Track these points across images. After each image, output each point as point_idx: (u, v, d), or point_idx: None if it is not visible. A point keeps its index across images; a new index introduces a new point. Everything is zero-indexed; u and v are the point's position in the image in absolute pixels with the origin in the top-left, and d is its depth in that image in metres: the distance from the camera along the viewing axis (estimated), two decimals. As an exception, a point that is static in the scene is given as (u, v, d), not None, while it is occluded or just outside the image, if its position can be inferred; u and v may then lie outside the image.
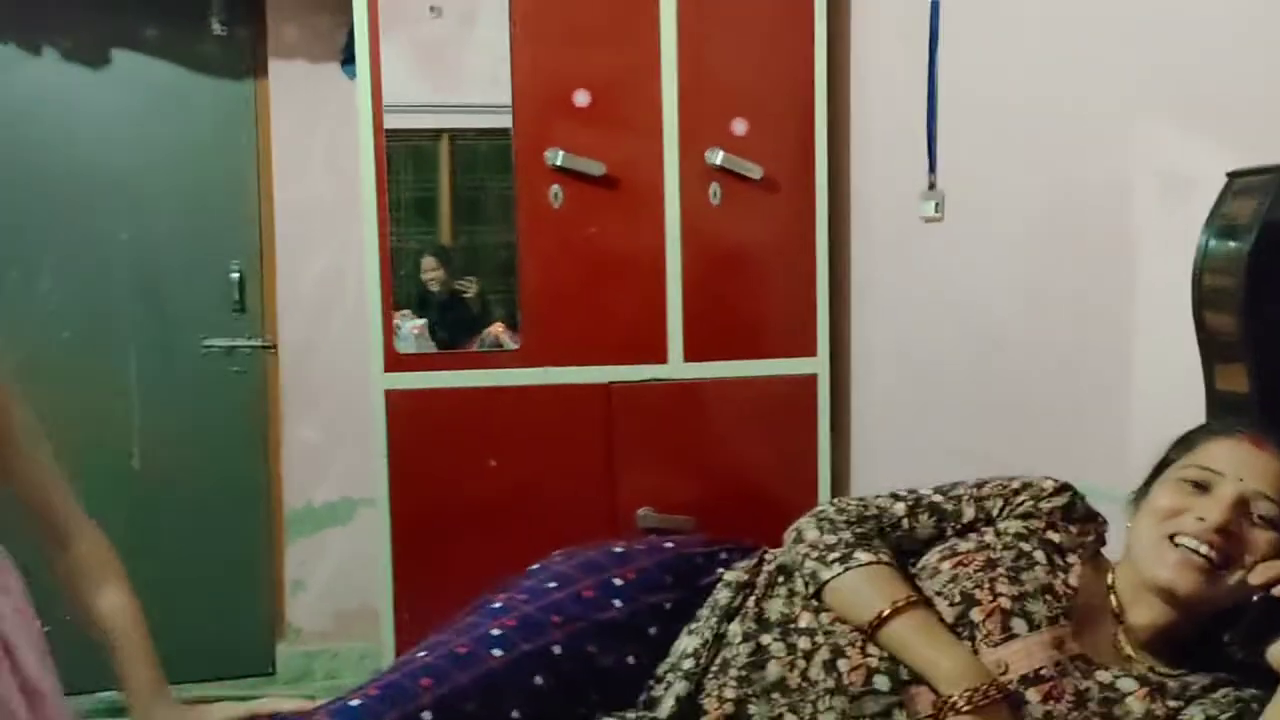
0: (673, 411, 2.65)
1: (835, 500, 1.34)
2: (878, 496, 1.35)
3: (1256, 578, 1.12)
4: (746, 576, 1.33)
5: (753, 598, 1.29)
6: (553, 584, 1.29)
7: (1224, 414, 1.36)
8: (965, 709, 1.08)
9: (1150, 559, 1.19)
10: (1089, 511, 1.32)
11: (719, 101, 2.63)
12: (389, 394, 2.53)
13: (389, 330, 2.53)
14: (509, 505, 2.58)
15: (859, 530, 1.27)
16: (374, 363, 2.52)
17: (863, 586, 1.20)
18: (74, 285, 2.99)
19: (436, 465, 2.56)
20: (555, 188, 2.56)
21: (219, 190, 3.03)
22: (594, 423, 2.61)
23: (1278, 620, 1.10)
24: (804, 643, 1.21)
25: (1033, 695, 1.13)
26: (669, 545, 1.40)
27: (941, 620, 1.18)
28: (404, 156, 2.71)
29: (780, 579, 1.31)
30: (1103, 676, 1.16)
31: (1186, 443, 1.27)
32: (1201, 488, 1.18)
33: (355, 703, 1.13)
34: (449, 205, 2.75)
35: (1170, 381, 1.65)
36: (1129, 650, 1.21)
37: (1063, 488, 1.32)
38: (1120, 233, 1.82)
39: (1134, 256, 1.79)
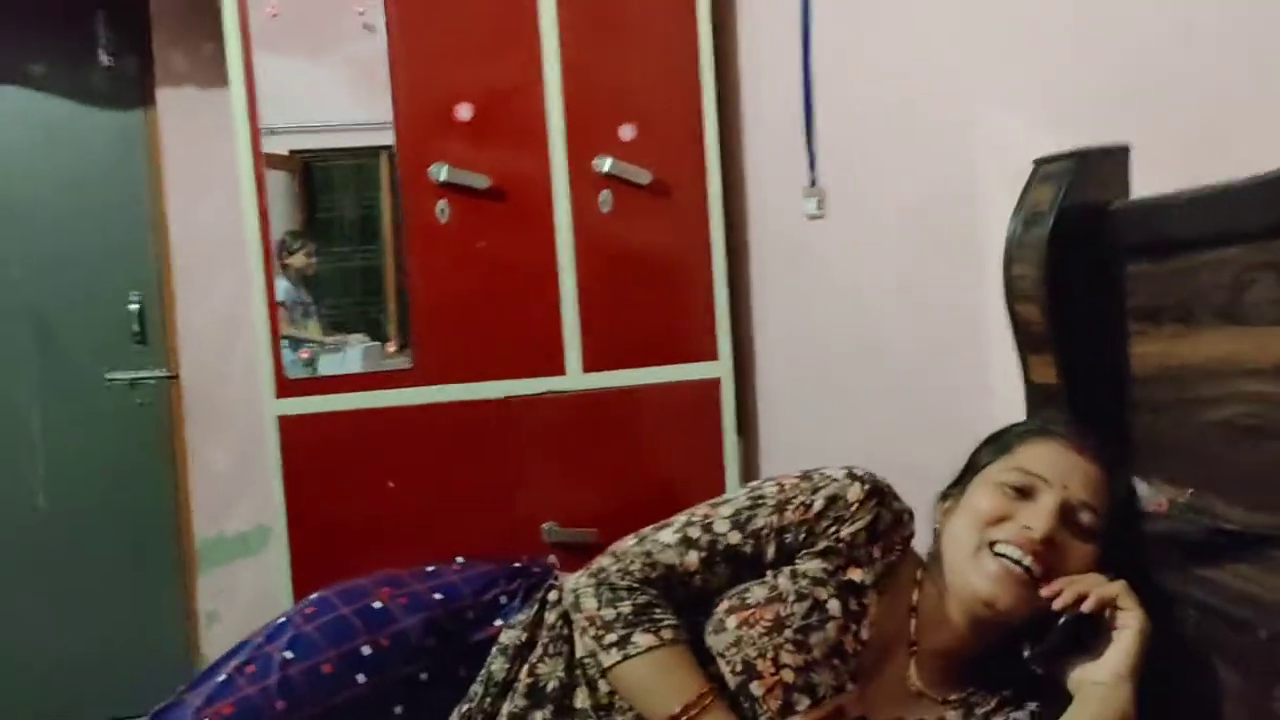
0: (574, 423, 2.63)
1: (619, 554, 1.20)
2: (667, 548, 1.21)
3: (1067, 596, 1.08)
4: (525, 636, 1.23)
5: (527, 665, 1.21)
6: (289, 654, 1.17)
7: (1040, 407, 1.34)
8: None
9: (967, 568, 1.13)
10: (896, 515, 1.24)
11: (605, 108, 2.60)
12: (282, 420, 2.50)
13: (278, 356, 2.49)
14: (410, 527, 2.54)
15: (640, 599, 1.14)
16: (265, 389, 2.48)
17: (647, 679, 1.11)
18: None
19: (334, 490, 2.53)
20: (441, 203, 2.53)
21: (114, 221, 2.99)
22: (493, 438, 2.58)
23: (1079, 639, 1.08)
24: None
25: None
26: (438, 598, 1.28)
27: (729, 711, 1.10)
28: (290, 178, 2.69)
29: (565, 633, 1.23)
30: None
31: (1001, 444, 1.23)
32: (1024, 493, 1.13)
33: None
34: (340, 225, 2.73)
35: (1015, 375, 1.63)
36: (918, 684, 1.17)
37: (869, 495, 1.22)
38: (972, 226, 1.80)
39: (985, 249, 1.77)
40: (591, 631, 1.14)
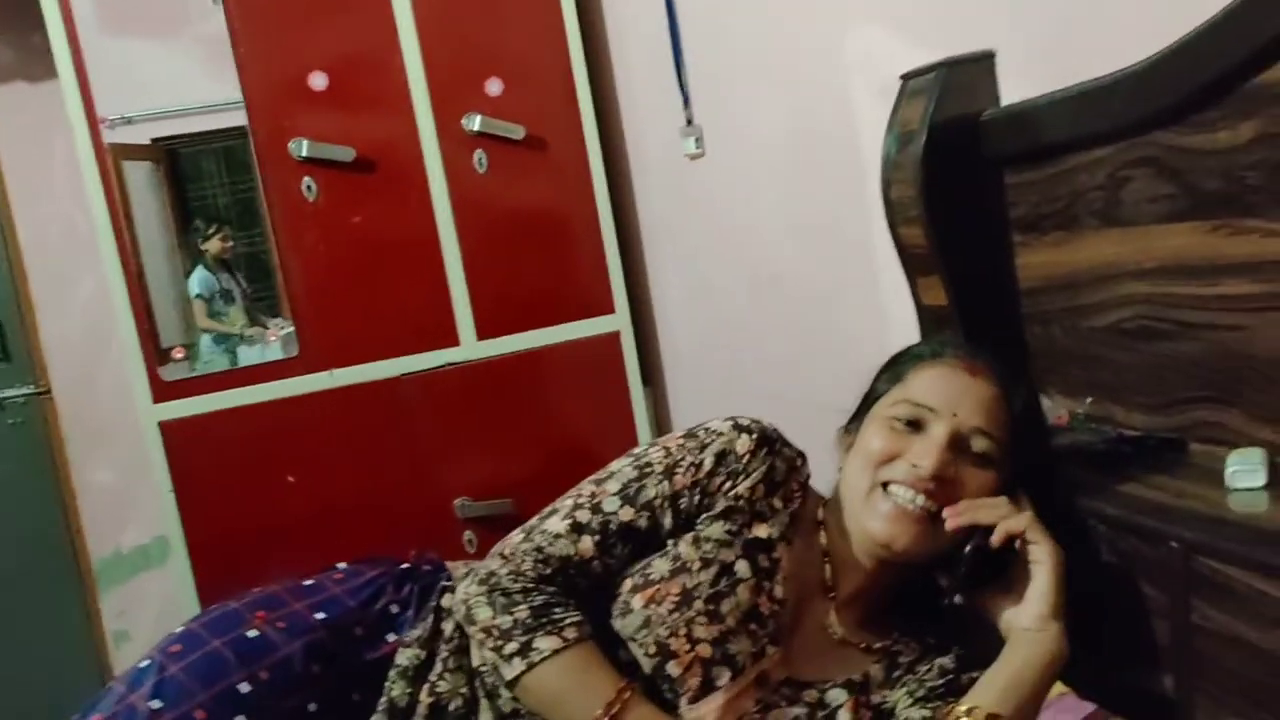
0: (475, 394, 2.54)
1: (508, 555, 1.10)
2: (558, 537, 1.11)
3: (962, 520, 1.03)
4: (423, 655, 1.14)
5: (427, 684, 1.13)
6: (155, 703, 1.05)
7: (933, 329, 1.30)
8: None
9: (862, 510, 1.09)
10: (789, 461, 1.17)
11: (468, 64, 2.49)
12: (164, 425, 2.36)
13: (151, 359, 2.35)
14: (316, 519, 2.44)
15: (537, 601, 1.06)
16: (140, 396, 2.34)
17: (558, 685, 1.03)
18: None
19: (231, 491, 2.41)
20: (307, 180, 2.39)
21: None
22: (392, 419, 2.48)
23: (989, 564, 1.03)
24: None
25: None
26: (320, 617, 1.17)
27: (650, 704, 1.03)
28: (155, 168, 2.54)
29: (463, 645, 1.15)
30: (810, 696, 1.08)
31: (894, 371, 1.16)
32: (914, 426, 1.08)
33: None
34: (216, 212, 2.60)
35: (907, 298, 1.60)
36: (840, 631, 1.12)
37: (759, 444, 1.15)
38: (853, 149, 1.75)
39: (865, 172, 1.72)
40: (490, 643, 1.05)
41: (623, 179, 2.69)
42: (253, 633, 1.13)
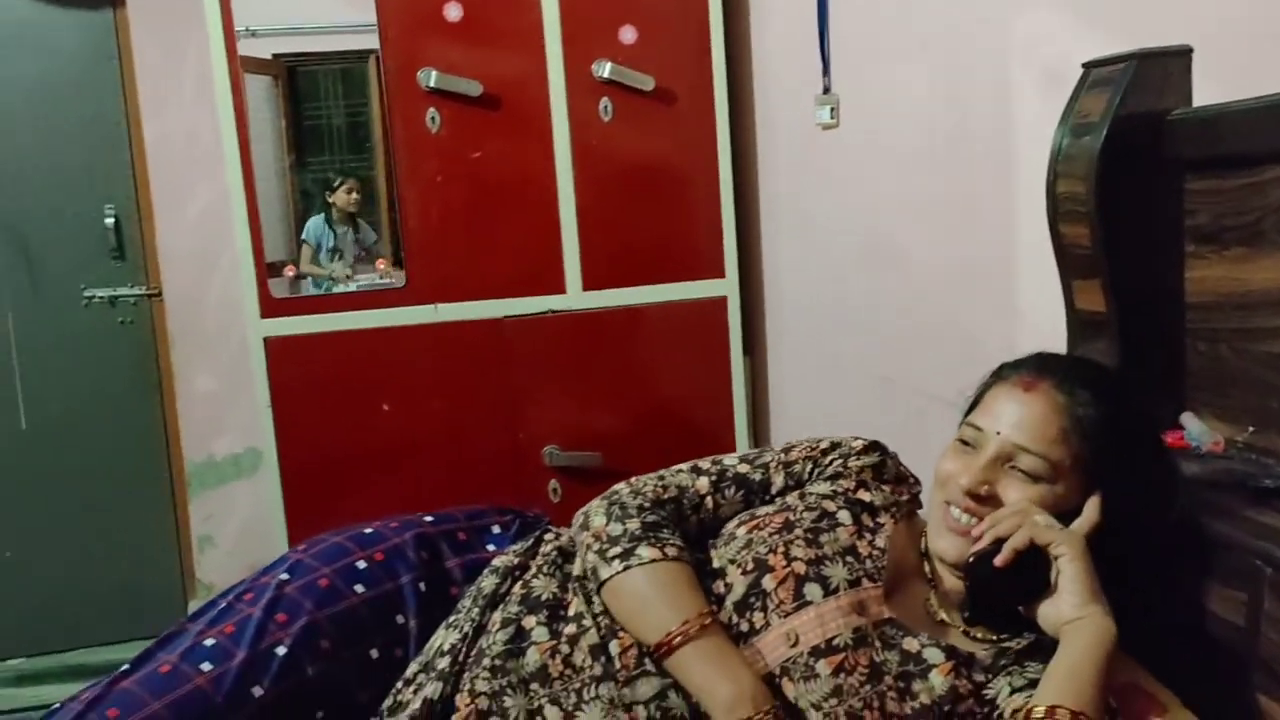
0: (574, 344, 2.52)
1: (632, 480, 1.19)
2: (680, 472, 1.22)
3: (983, 541, 1.04)
4: (517, 561, 1.19)
5: (520, 581, 1.17)
6: (285, 576, 1.15)
7: (1085, 337, 1.24)
8: None
9: (931, 527, 1.13)
10: (901, 473, 1.23)
11: (604, 8, 2.44)
12: (268, 340, 2.39)
13: (263, 273, 2.37)
14: (407, 450, 2.46)
15: (650, 519, 1.13)
16: (249, 308, 2.37)
17: (646, 592, 1.07)
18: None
19: (326, 413, 2.43)
20: (431, 111, 2.38)
21: (84, 130, 2.82)
22: (490, 360, 2.48)
23: (1030, 578, 1.02)
24: (569, 628, 1.09)
25: (823, 668, 1.02)
26: (429, 519, 1.26)
27: (727, 636, 1.05)
28: (273, 83, 2.54)
29: (559, 561, 1.19)
30: (910, 644, 1.05)
31: (978, 394, 1.17)
32: (972, 447, 1.11)
33: None
34: (328, 134, 2.60)
35: (1053, 295, 1.53)
36: (943, 615, 1.11)
37: (872, 446, 1.22)
38: (1002, 135, 1.67)
39: (1015, 160, 1.65)
40: (596, 546, 1.11)
41: (747, 142, 2.62)
42: (369, 529, 1.23)
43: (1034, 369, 1.11)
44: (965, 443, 1.11)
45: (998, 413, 1.09)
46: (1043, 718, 0.91)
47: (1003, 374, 1.14)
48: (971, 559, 1.04)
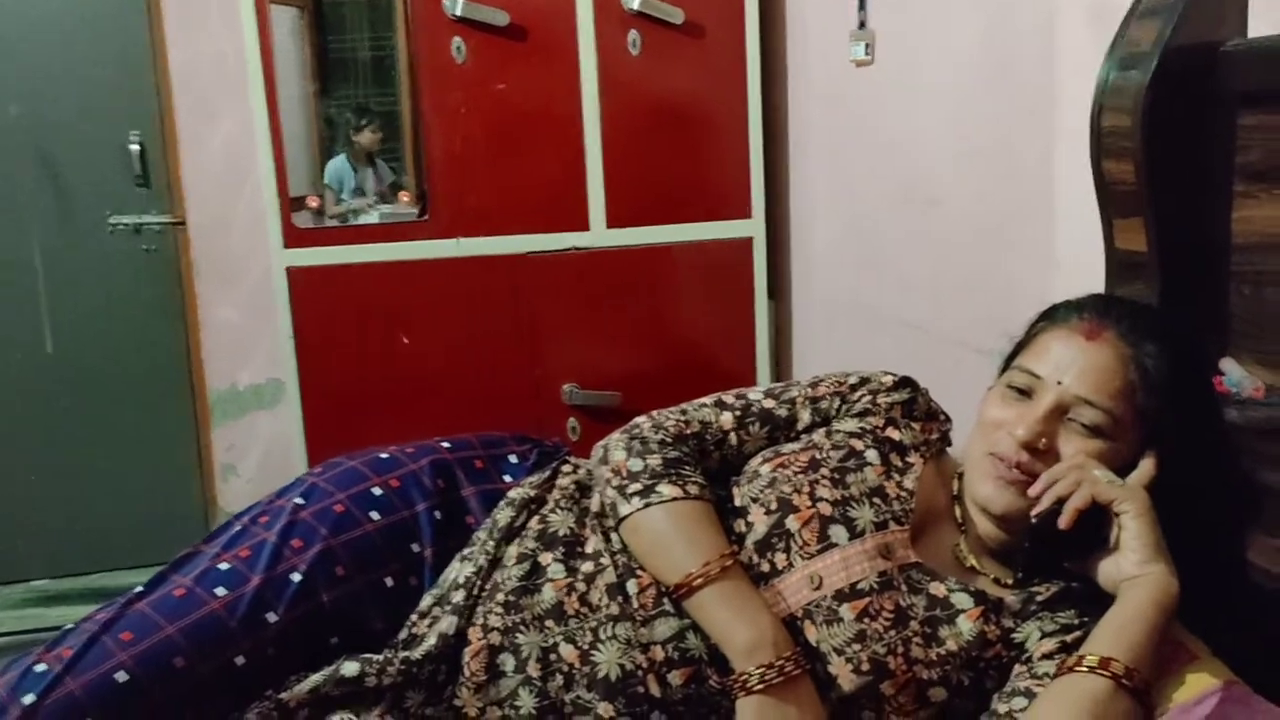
0: (597, 282, 2.50)
1: (654, 414, 1.16)
2: (703, 406, 1.18)
3: (1044, 501, 0.98)
4: (534, 493, 1.16)
5: (537, 515, 1.14)
6: (300, 501, 1.13)
7: (1123, 278, 1.19)
8: (757, 687, 0.94)
9: (973, 474, 1.08)
10: (932, 409, 1.19)
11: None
12: (291, 271, 2.38)
13: (286, 203, 2.35)
14: (426, 384, 2.46)
15: (671, 454, 1.09)
16: (273, 238, 2.35)
17: (666, 531, 1.03)
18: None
19: (348, 344, 2.43)
20: (457, 40, 2.33)
21: (111, 56, 2.79)
22: (511, 296, 2.46)
23: (1090, 535, 0.97)
24: (587, 566, 1.07)
25: (847, 612, 1.00)
26: (445, 445, 1.23)
27: (748, 578, 1.02)
28: (299, 14, 2.50)
29: (577, 495, 1.16)
30: (936, 589, 1.03)
31: (1028, 335, 1.12)
32: (1025, 394, 1.05)
33: (41, 668, 0.97)
34: (354, 66, 2.55)
35: (1090, 242, 1.48)
36: (972, 561, 1.08)
37: (903, 382, 1.18)
38: (1045, 71, 1.62)
39: (1058, 98, 1.59)
40: (615, 482, 1.08)
41: (778, 79, 2.57)
42: (385, 454, 1.21)
43: (1096, 314, 1.06)
44: (1018, 389, 1.06)
45: (1057, 360, 1.04)
46: (1095, 666, 0.87)
47: (1058, 316, 1.09)
48: (1034, 519, 0.99)
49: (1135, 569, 0.94)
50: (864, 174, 2.27)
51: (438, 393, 2.46)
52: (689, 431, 1.14)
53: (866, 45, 2.15)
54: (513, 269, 2.45)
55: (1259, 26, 1.15)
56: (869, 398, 1.16)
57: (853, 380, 1.19)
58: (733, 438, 1.16)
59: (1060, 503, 0.97)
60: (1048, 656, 0.97)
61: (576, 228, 2.46)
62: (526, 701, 1.01)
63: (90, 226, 2.86)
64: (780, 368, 2.70)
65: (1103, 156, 1.19)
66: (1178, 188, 1.16)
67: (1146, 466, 1.00)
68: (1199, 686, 0.94)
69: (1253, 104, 1.13)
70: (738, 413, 1.17)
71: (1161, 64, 1.12)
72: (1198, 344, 1.09)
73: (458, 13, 2.30)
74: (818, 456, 1.10)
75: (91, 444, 2.93)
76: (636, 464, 1.08)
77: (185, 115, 2.84)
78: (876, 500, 1.07)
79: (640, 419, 1.15)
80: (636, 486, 1.06)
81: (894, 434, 1.13)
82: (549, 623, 1.03)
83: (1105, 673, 0.87)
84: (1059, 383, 1.03)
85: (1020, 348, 1.11)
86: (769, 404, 1.18)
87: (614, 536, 1.08)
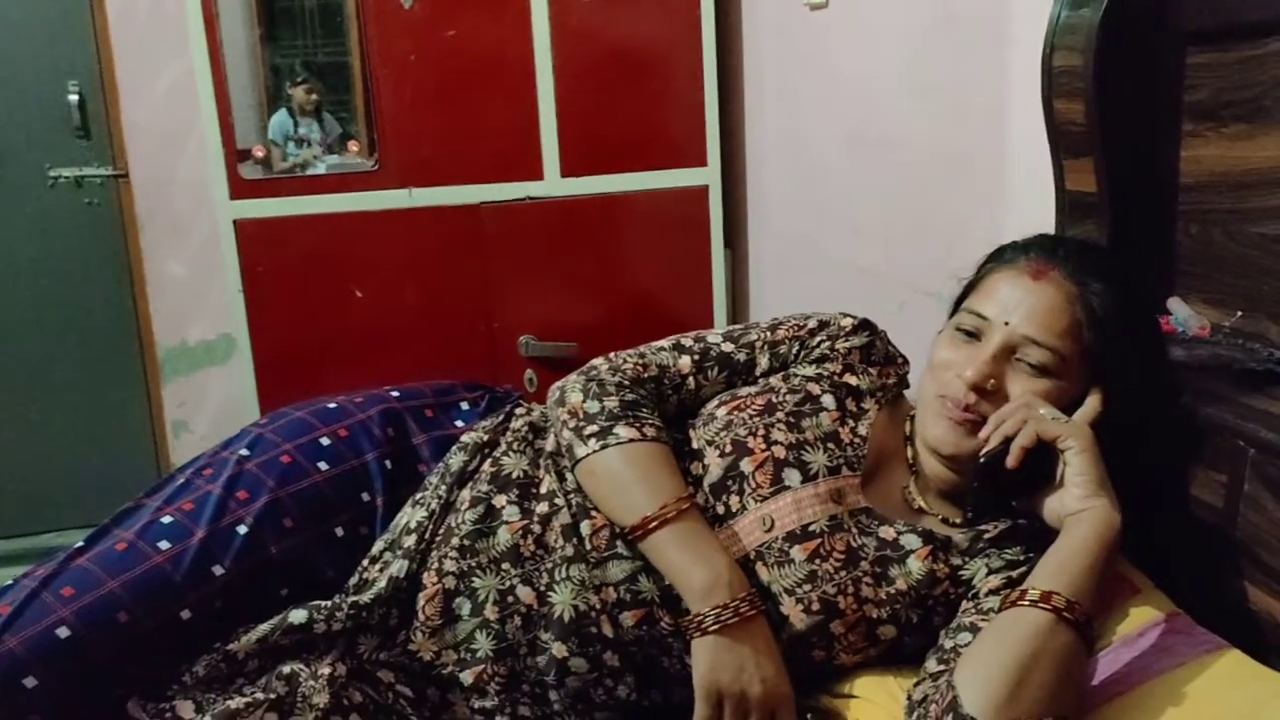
0: (551, 232, 2.47)
1: (611, 356, 1.15)
2: (661, 349, 1.17)
3: (992, 441, 0.99)
4: (487, 437, 1.16)
5: (490, 458, 1.14)
6: (245, 452, 1.11)
7: (1074, 218, 1.20)
8: (712, 628, 0.95)
9: (924, 416, 1.08)
10: (890, 353, 1.19)
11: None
12: (239, 224, 2.33)
13: (232, 154, 2.30)
14: (380, 337, 2.42)
15: (628, 397, 1.09)
16: (218, 190, 2.30)
17: (623, 473, 1.03)
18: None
19: (299, 298, 2.39)
20: (407, -15, 2.28)
21: (45, 2, 2.69)
22: (465, 246, 2.43)
23: (1037, 472, 0.98)
24: (542, 507, 1.07)
25: (798, 553, 1.01)
26: (395, 395, 1.22)
27: (704, 521, 1.02)
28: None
29: (530, 437, 1.16)
30: (885, 533, 1.04)
31: (976, 276, 1.12)
32: (974, 336, 1.05)
33: None
34: (295, 14, 2.48)
35: (1042, 182, 1.48)
36: (920, 502, 1.09)
37: (862, 325, 1.18)
38: (998, 11, 1.60)
39: (1009, 37, 1.58)
40: (572, 424, 1.08)
41: (732, 24, 2.53)
42: (332, 404, 1.20)
43: (1042, 253, 1.05)
44: (966, 331, 1.06)
45: (1003, 301, 1.04)
46: (1037, 600, 0.88)
47: (1006, 257, 1.09)
48: (982, 459, 0.99)
49: (1078, 504, 0.94)
50: (818, 118, 2.25)
51: (392, 346, 2.43)
52: (646, 375, 1.14)
53: (822, -10, 2.12)
54: (466, 219, 2.41)
55: (1208, -37, 1.15)
56: (827, 343, 1.16)
57: (812, 325, 1.18)
58: (690, 382, 1.16)
59: (1008, 442, 0.97)
60: (994, 592, 0.98)
61: (531, 177, 2.43)
62: (483, 644, 1.01)
63: (29, 180, 2.78)
64: (737, 314, 2.70)
65: (1054, 96, 1.19)
66: (1128, 128, 1.16)
67: (1092, 403, 1.00)
68: (1142, 619, 0.96)
69: (1201, 42, 1.13)
70: (696, 356, 1.17)
71: (1112, 2, 1.11)
72: (1144, 282, 1.10)
73: (406, -44, 2.24)
74: (774, 400, 1.10)
75: (39, 404, 2.88)
76: (593, 406, 1.08)
77: (125, 64, 2.75)
78: (830, 445, 1.07)
79: (597, 361, 1.15)
80: (593, 428, 1.06)
81: (851, 379, 1.14)
82: (505, 565, 1.03)
83: (1046, 606, 0.87)
84: (1006, 323, 1.03)
85: (969, 290, 1.11)
86: (727, 348, 1.18)
87: (568, 477, 1.08)
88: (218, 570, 1.02)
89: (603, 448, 1.05)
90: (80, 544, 1.04)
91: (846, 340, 1.16)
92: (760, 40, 2.47)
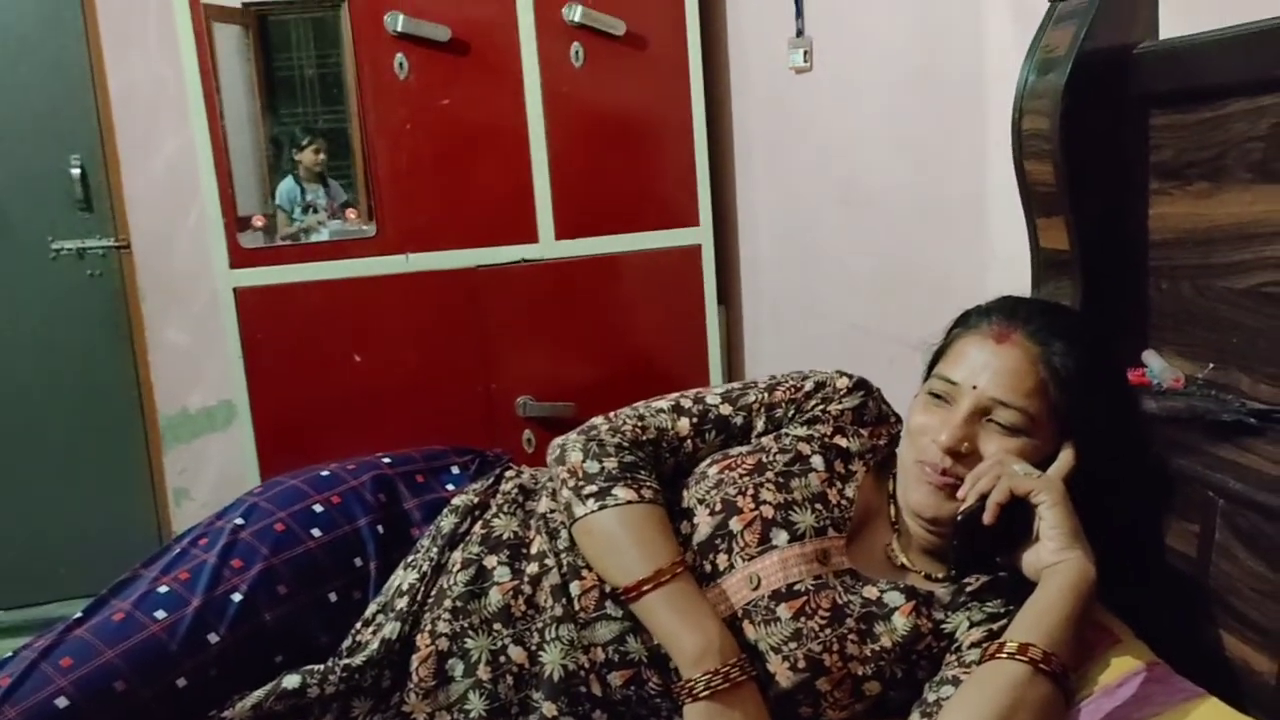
0: (547, 293, 2.51)
1: (611, 416, 1.17)
2: (660, 411, 1.19)
3: (969, 499, 1.01)
4: (477, 500, 1.18)
5: (481, 520, 1.16)
6: (240, 521, 1.13)
7: (1049, 276, 1.23)
8: (704, 694, 0.96)
9: (904, 481, 1.11)
10: (882, 412, 1.22)
11: (574, -50, 2.40)
12: (239, 291, 2.36)
13: (232, 223, 2.34)
14: (379, 401, 2.45)
15: (627, 459, 1.11)
16: (218, 260, 2.34)
17: (619, 535, 1.05)
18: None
19: (299, 364, 2.42)
20: (399, 56, 2.34)
21: (49, 78, 2.75)
22: (463, 309, 2.46)
23: (1016, 528, 1.00)
24: (532, 568, 1.09)
25: (784, 611, 1.03)
26: (386, 461, 1.25)
27: (696, 585, 1.04)
28: (244, 33, 2.48)
29: (520, 499, 1.18)
30: (869, 591, 1.06)
31: (945, 342, 1.15)
32: (945, 400, 1.08)
33: None
34: (301, 84, 2.54)
35: (1022, 239, 1.52)
36: (903, 559, 1.11)
37: (857, 385, 1.21)
38: (974, 74, 1.66)
39: (986, 99, 1.63)
40: (571, 483, 1.10)
41: (721, 88, 2.59)
42: (325, 472, 1.22)
43: (1004, 317, 1.09)
44: (938, 396, 1.08)
45: (971, 365, 1.07)
46: (1015, 653, 0.89)
47: (970, 322, 1.12)
48: (960, 517, 1.01)
49: (1053, 556, 0.96)
50: (805, 177, 2.30)
51: (392, 410, 2.46)
52: (645, 437, 1.16)
53: (805, 52, 2.18)
54: (463, 283, 2.45)
55: (1169, 28, 1.19)
56: (821, 405, 1.18)
57: (808, 387, 1.20)
58: (688, 444, 1.18)
59: (984, 499, 1.00)
60: (975, 645, 1.00)
61: (526, 240, 2.47)
62: (476, 704, 1.03)
63: (32, 252, 2.82)
64: (732, 370, 2.73)
65: (1024, 158, 1.22)
66: (1097, 187, 1.20)
67: (1064, 458, 1.02)
68: (1122, 669, 0.97)
69: (1164, 104, 1.17)
70: (694, 419, 1.19)
71: (1077, 67, 1.16)
72: (1108, 339, 1.13)
73: (399, 29, 2.30)
74: (764, 460, 1.12)
75: (41, 472, 2.89)
76: (593, 466, 1.10)
77: (126, 137, 2.81)
78: (818, 506, 1.09)
79: (597, 420, 1.17)
80: (592, 488, 1.08)
81: (841, 441, 1.16)
82: (497, 625, 1.05)
83: (1023, 658, 0.89)
84: (974, 387, 1.05)
85: (939, 355, 1.14)
86: (725, 410, 1.20)
87: (561, 537, 1.10)
88: (213, 638, 1.04)
89: (600, 508, 1.06)
90: (79, 614, 1.05)
91: (840, 402, 1.18)
92: (748, 103, 2.53)
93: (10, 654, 1.03)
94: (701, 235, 2.56)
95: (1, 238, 2.80)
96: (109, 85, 2.78)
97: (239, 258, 2.35)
